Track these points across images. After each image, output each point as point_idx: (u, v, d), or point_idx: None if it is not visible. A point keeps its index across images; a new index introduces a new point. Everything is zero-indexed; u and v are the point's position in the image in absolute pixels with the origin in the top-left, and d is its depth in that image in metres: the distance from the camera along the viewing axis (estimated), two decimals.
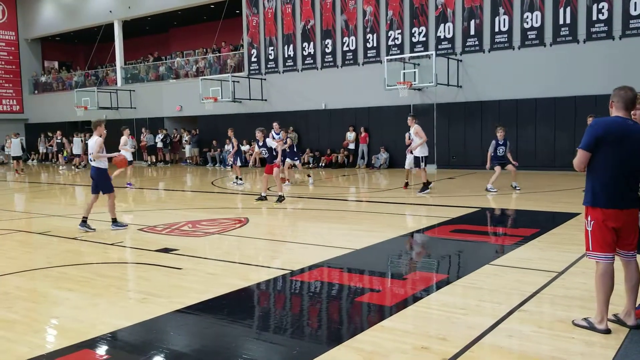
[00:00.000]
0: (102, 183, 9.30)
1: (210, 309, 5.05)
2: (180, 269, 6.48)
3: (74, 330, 4.54)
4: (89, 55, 32.18)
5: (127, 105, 28.67)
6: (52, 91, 33.57)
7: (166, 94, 27.67)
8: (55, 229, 9.57)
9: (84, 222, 9.22)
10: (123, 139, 16.08)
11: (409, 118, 13.14)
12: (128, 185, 16.40)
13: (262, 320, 4.88)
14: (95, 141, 9.16)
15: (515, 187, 13.10)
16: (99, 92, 28.42)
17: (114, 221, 9.41)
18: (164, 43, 32.56)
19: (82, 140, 26.14)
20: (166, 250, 7.45)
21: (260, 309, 5.25)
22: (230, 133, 17.04)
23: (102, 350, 4.19)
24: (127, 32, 29.96)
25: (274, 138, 13.38)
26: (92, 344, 4.24)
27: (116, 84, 30.05)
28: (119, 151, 12.20)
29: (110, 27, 29.40)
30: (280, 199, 12.02)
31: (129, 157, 16.43)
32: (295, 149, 16.20)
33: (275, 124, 14.98)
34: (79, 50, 36.35)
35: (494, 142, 12.95)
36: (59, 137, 27.90)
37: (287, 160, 15.16)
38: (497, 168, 12.85)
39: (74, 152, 26.34)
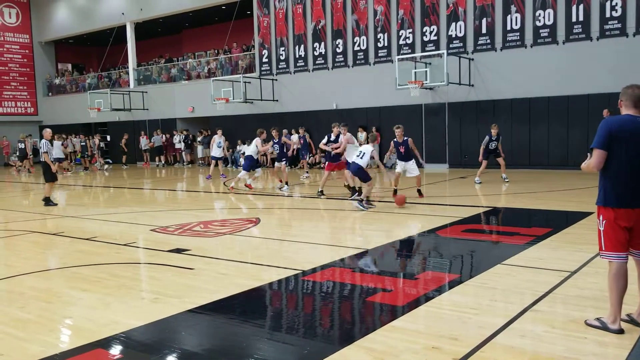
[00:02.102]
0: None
1: (221, 308, 5.07)
2: (192, 269, 6.51)
3: (87, 329, 4.58)
4: (102, 57, 32.46)
5: (139, 106, 28.88)
6: (65, 93, 33.88)
7: (178, 95, 27.82)
8: (69, 229, 9.66)
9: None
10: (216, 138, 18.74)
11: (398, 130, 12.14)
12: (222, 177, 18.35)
13: (273, 320, 4.90)
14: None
15: (505, 179, 14.39)
16: (111, 93, 28.64)
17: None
18: (176, 44, 32.74)
19: (62, 143, 25.79)
20: (178, 251, 7.49)
21: (271, 309, 5.27)
22: (275, 133, 15.61)
23: (115, 349, 4.22)
24: (140, 33, 30.18)
25: (329, 141, 13.03)
26: (105, 343, 4.27)
27: (129, 85, 30.26)
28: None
29: (122, 29, 29.62)
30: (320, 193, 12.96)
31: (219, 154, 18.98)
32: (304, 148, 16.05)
33: (334, 127, 13.53)
34: (92, 53, 36.67)
35: (487, 137, 14.22)
36: (78, 139, 28.18)
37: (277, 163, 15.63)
38: (484, 162, 14.16)
39: (55, 155, 25.76)
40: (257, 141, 14.71)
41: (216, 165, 19.73)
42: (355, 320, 4.83)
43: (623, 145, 4.00)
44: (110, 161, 29.65)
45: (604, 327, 4.14)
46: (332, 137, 13.12)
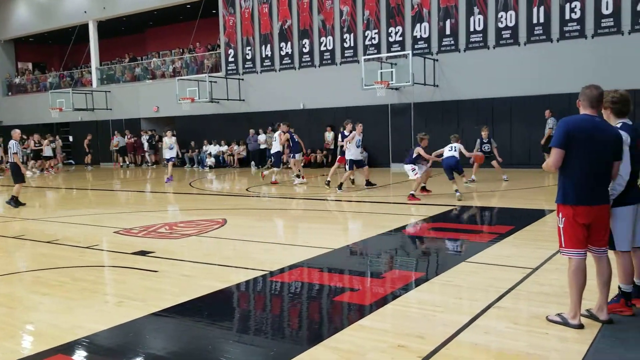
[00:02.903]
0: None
1: (187, 311, 5.02)
2: (156, 271, 6.43)
3: (49, 335, 4.48)
4: (64, 56, 31.74)
5: (102, 106, 28.34)
6: (26, 93, 33.02)
7: (143, 94, 27.41)
8: (29, 232, 9.42)
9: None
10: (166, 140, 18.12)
11: None
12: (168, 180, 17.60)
13: (240, 321, 4.87)
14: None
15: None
16: (74, 93, 28.02)
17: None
18: (140, 43, 32.22)
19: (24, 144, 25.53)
20: (142, 253, 7.38)
21: (238, 311, 5.24)
22: (285, 129, 15.94)
23: (77, 355, 4.14)
24: (103, 32, 29.59)
25: (344, 137, 13.89)
26: (67, 348, 4.18)
27: (91, 85, 29.68)
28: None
29: (85, 27, 29.02)
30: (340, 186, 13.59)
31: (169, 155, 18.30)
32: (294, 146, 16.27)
33: (347, 125, 14.13)
34: (54, 51, 35.81)
35: (479, 140, 14.52)
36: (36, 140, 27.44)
37: (297, 156, 16.22)
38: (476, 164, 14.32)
39: (45, 153, 25.59)
40: (279, 135, 15.70)
41: (174, 165, 19.56)
42: (323, 320, 4.84)
43: (581, 144, 4.10)
44: (73, 162, 29.04)
45: (564, 323, 4.24)
46: (346, 133, 13.87)
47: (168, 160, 18.49)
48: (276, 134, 16.15)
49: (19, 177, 12.70)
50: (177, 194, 15.27)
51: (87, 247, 7.97)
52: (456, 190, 11.55)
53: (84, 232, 9.42)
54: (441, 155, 12.37)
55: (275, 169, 16.17)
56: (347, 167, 13.76)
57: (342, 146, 14.38)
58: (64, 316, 4.95)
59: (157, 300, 5.26)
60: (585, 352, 3.81)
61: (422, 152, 11.84)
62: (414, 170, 11.91)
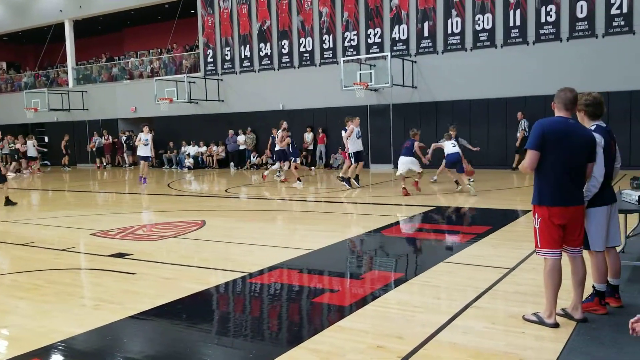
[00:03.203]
0: None
1: (165, 314, 4.98)
2: (134, 274, 6.36)
3: (25, 339, 4.40)
4: (39, 55, 31.23)
5: (79, 106, 27.96)
6: (0, 93, 32.41)
7: (120, 95, 27.11)
8: (4, 234, 9.26)
9: None
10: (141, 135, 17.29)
11: None
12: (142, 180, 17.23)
13: (219, 324, 4.85)
14: None
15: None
16: (49, 93, 27.60)
17: None
18: (117, 43, 31.86)
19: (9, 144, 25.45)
20: (120, 255, 7.30)
21: (217, 313, 5.21)
22: (284, 126, 16.21)
23: (54, 359, 4.08)
24: (79, 31, 29.20)
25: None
26: (43, 353, 4.12)
27: (67, 85, 29.27)
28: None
29: (60, 26, 28.60)
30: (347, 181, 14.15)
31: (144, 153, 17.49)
32: (293, 149, 16.53)
33: (348, 122, 14.71)
34: (29, 51, 35.21)
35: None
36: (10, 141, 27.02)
37: (297, 160, 16.55)
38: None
39: (30, 154, 25.56)
40: (280, 133, 15.92)
41: (152, 166, 19.25)
42: (303, 321, 4.84)
43: (556, 146, 4.16)
44: (49, 163, 28.61)
45: (540, 322, 4.31)
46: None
47: (143, 158, 17.73)
48: (279, 132, 16.17)
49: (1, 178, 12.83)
50: (155, 195, 15.13)
51: (63, 250, 7.86)
52: (468, 185, 12.55)
53: (60, 234, 9.29)
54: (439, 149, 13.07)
55: (275, 167, 16.62)
56: (352, 160, 14.12)
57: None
58: (40, 320, 4.87)
59: (134, 303, 5.21)
60: (560, 351, 3.87)
61: (420, 146, 12.93)
62: (419, 164, 12.69)
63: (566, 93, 4.28)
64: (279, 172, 16.95)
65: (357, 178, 14.40)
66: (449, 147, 12.49)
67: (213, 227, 9.47)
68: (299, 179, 15.44)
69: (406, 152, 12.55)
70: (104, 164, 26.66)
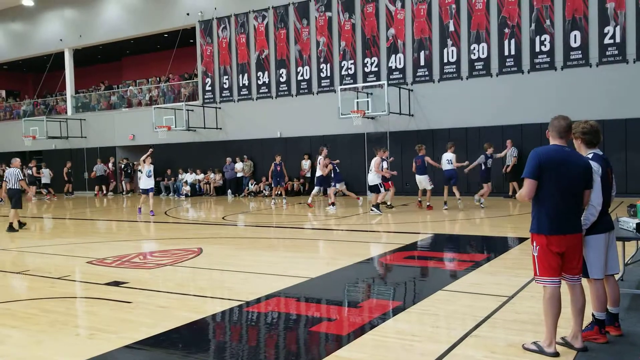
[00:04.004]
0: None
1: (161, 343, 4.92)
2: (130, 302, 6.30)
3: None
4: (38, 83, 31.44)
5: (77, 134, 28.05)
6: None
7: (118, 122, 27.22)
8: None
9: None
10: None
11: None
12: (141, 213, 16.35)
13: (215, 353, 4.78)
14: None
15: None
16: (48, 121, 27.70)
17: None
18: (117, 71, 32.14)
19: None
20: (115, 284, 7.24)
21: (213, 342, 5.15)
22: (325, 153, 16.48)
23: None
24: (78, 60, 29.46)
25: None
26: None
27: (66, 112, 29.39)
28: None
29: (60, 55, 28.86)
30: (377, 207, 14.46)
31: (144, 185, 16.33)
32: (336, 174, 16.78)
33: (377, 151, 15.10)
34: (28, 79, 35.49)
35: (482, 156, 14.65)
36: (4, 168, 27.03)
37: (337, 185, 16.70)
38: (488, 185, 14.84)
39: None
40: (321, 161, 16.32)
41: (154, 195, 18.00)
42: (300, 351, 4.78)
43: (552, 174, 4.18)
44: (45, 191, 28.52)
45: (540, 351, 4.26)
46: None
47: (147, 191, 16.29)
48: (320, 159, 16.38)
49: (18, 203, 13.38)
50: (152, 222, 15.08)
51: (58, 278, 7.78)
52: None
53: (56, 262, 9.22)
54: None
55: (314, 191, 16.78)
56: (382, 188, 14.49)
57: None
58: (33, 349, 4.80)
59: (130, 332, 5.14)
60: None
61: (431, 161, 14.85)
62: (430, 180, 14.59)
63: (560, 121, 4.32)
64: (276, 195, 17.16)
65: (377, 205, 14.40)
66: (445, 163, 14.05)
67: (210, 255, 9.42)
68: (332, 204, 15.73)
69: (419, 170, 14.77)
70: (104, 191, 26.50)
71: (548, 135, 4.38)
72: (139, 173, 17.11)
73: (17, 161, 13.70)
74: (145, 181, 16.30)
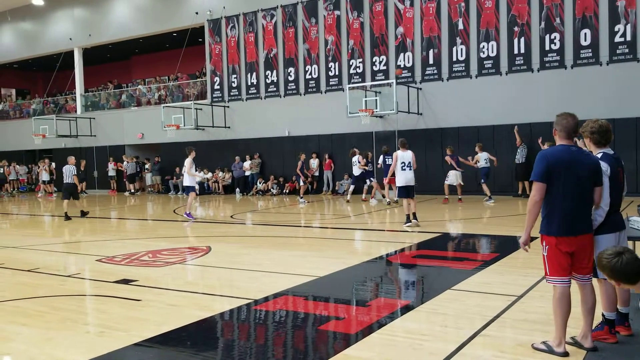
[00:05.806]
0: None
1: (170, 341, 4.94)
2: (139, 300, 6.33)
3: None
4: (48, 82, 31.63)
5: (87, 133, 28.21)
6: (8, 119, 32.78)
7: (127, 121, 27.35)
8: (9, 260, 9.25)
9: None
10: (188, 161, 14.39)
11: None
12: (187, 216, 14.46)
13: (224, 351, 4.80)
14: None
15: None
16: (57, 119, 27.89)
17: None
18: (126, 70, 32.27)
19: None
20: (125, 282, 7.28)
21: (222, 340, 5.16)
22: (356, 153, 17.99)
23: None
24: (88, 59, 29.63)
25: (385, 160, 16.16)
26: None
27: (76, 111, 29.56)
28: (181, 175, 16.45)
29: (70, 54, 29.02)
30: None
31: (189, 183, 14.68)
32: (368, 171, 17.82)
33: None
34: (38, 78, 35.71)
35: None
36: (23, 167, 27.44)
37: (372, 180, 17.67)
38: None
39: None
40: (358, 158, 17.57)
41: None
42: (308, 349, 4.78)
43: (561, 176, 4.16)
44: (56, 189, 28.70)
45: (549, 351, 4.24)
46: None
47: (189, 190, 14.83)
48: (355, 159, 17.72)
49: (76, 195, 15.51)
50: (161, 221, 15.14)
51: (68, 276, 7.84)
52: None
53: (66, 260, 9.28)
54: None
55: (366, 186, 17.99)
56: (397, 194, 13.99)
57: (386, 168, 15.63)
58: (43, 347, 4.84)
59: (139, 330, 5.17)
60: None
61: (461, 159, 16.46)
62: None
63: (569, 121, 4.27)
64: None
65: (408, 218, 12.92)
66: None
67: (219, 253, 9.45)
68: (383, 196, 16.89)
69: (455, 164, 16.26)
70: (133, 190, 26.33)
71: (555, 133, 4.34)
72: (183, 171, 15.08)
73: (72, 159, 15.66)
74: (188, 178, 14.73)
